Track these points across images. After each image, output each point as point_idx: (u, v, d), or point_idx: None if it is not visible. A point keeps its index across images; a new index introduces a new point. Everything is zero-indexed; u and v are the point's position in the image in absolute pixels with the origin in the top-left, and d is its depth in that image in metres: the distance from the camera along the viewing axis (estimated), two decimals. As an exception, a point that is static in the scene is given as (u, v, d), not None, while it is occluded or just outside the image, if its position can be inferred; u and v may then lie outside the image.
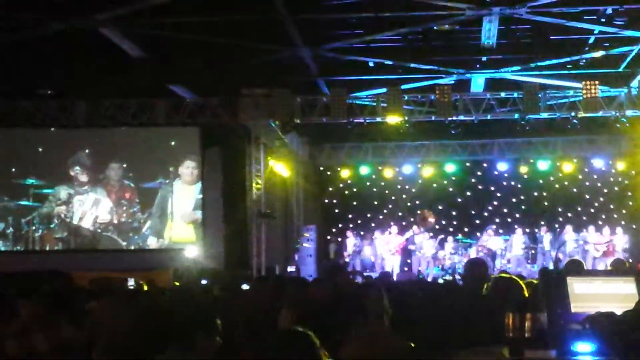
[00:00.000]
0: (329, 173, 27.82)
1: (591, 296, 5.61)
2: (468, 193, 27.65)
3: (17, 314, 6.19)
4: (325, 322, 5.74)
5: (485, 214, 27.33)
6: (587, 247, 23.54)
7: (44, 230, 21.09)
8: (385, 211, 27.60)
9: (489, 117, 20.63)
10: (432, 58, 19.02)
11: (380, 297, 6.16)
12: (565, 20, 16.40)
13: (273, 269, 21.19)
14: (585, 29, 17.33)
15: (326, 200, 28.22)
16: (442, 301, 7.61)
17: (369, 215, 27.71)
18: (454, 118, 20.25)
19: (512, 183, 27.39)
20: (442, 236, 24.98)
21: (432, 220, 25.10)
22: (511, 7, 15.29)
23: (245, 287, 11.25)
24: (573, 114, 19.99)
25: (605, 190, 26.91)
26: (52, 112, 20.45)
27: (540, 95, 19.59)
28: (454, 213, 27.48)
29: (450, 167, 26.43)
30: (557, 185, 27.01)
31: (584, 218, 26.35)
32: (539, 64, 19.09)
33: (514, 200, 27.44)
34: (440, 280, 18.59)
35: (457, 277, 18.92)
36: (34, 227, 21.09)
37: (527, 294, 6.81)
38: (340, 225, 27.62)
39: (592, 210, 26.86)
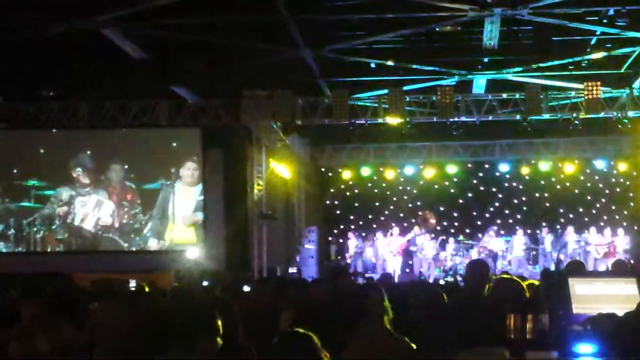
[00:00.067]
0: (330, 174, 27.81)
1: (592, 297, 5.62)
2: (469, 194, 27.65)
3: (18, 315, 6.20)
4: (325, 322, 5.75)
5: (487, 215, 27.31)
6: (589, 248, 23.53)
7: (45, 232, 21.10)
8: (386, 212, 27.59)
9: (490, 118, 20.64)
10: (434, 59, 19.01)
11: (381, 297, 6.17)
12: (567, 21, 16.39)
13: (274, 271, 21.18)
14: (587, 30, 17.32)
15: (327, 202, 28.21)
16: (443, 302, 7.61)
17: (370, 216, 27.70)
18: (456, 119, 20.25)
19: (514, 184, 27.38)
20: (443, 237, 24.98)
21: (433, 221, 25.09)
22: (513, 9, 15.28)
23: (246, 288, 11.25)
24: (575, 115, 20.00)
25: (607, 192, 26.90)
26: (53, 113, 20.46)
27: (542, 97, 19.58)
28: (455, 214, 27.49)
29: (451, 168, 26.42)
30: (558, 187, 26.99)
31: (586, 219, 26.33)
32: (541, 65, 19.08)
33: (515, 201, 27.42)
34: (442, 282, 18.58)
35: (459, 278, 18.90)
36: (35, 229, 21.10)
37: (528, 295, 6.81)
38: (341, 227, 27.60)
39: (594, 212, 26.84)
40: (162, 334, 4.26)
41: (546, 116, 20.13)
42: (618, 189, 26.79)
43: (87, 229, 21.10)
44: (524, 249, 23.86)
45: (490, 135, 24.84)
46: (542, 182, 27.06)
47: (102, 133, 20.98)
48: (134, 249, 21.06)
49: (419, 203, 27.08)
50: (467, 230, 26.66)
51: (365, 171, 26.87)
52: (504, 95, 20.32)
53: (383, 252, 24.20)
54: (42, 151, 21.34)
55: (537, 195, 27.27)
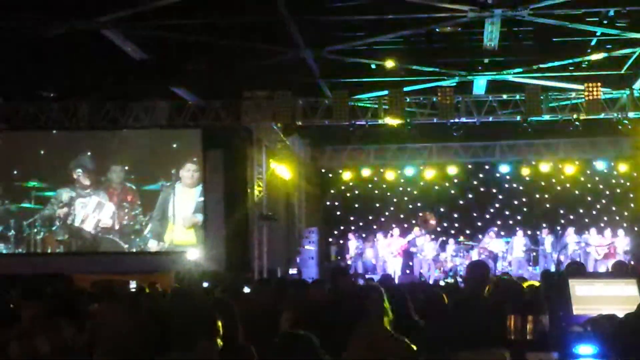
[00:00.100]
0: (330, 175, 27.82)
1: (593, 298, 5.62)
2: (470, 195, 27.66)
3: (18, 316, 6.20)
4: (325, 323, 5.74)
5: (487, 216, 27.33)
6: (589, 249, 23.54)
7: (45, 233, 21.09)
8: (387, 213, 27.60)
9: (491, 119, 20.63)
10: (434, 60, 19.02)
11: (381, 298, 6.17)
12: (567, 22, 16.39)
13: (275, 272, 21.19)
14: (587, 31, 17.32)
15: (328, 203, 28.21)
16: (443, 303, 7.61)
17: (370, 217, 27.71)
18: (456, 120, 20.24)
19: (514, 185, 27.38)
20: (444, 238, 24.98)
21: (433, 222, 25.08)
22: (513, 9, 15.28)
23: (246, 289, 11.25)
24: (575, 116, 19.98)
25: (607, 192, 26.90)
26: (54, 114, 20.45)
27: (542, 97, 19.58)
28: (455, 215, 27.50)
29: (452, 169, 26.41)
30: (558, 187, 27.00)
31: (586, 220, 26.34)
32: (541, 66, 19.08)
33: (515, 202, 27.43)
34: (442, 283, 18.57)
35: (459, 279, 18.90)
36: (35, 230, 21.09)
37: (528, 296, 6.81)
38: (342, 228, 27.61)
39: (594, 213, 26.85)
40: (162, 334, 4.26)
41: (546, 117, 20.12)
42: (618, 190, 26.79)
43: (87, 230, 21.09)
44: (524, 250, 23.87)
45: (491, 136, 24.83)
46: (543, 183, 27.06)
47: (103, 134, 20.97)
48: (134, 250, 21.05)
49: (419, 204, 27.10)
50: (468, 232, 26.64)
51: (366, 172, 26.87)
52: (505, 96, 20.31)
53: (383, 253, 24.20)
54: (42, 152, 21.33)
55: (537, 196, 27.27)
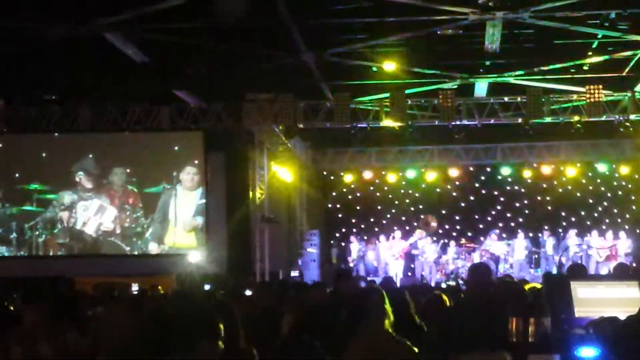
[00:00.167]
0: (332, 178, 27.81)
1: (595, 301, 5.61)
2: (471, 197, 27.66)
3: (20, 319, 6.20)
4: (326, 325, 5.75)
5: (489, 218, 27.33)
6: (590, 251, 23.55)
7: (47, 236, 21.08)
8: (388, 216, 27.60)
9: (492, 121, 20.63)
10: (435, 63, 19.03)
11: (382, 300, 6.17)
12: (568, 24, 16.39)
13: (276, 274, 21.18)
14: (588, 34, 17.33)
15: (329, 205, 28.21)
16: (445, 305, 7.61)
17: (372, 219, 27.71)
18: (458, 122, 20.24)
19: (516, 187, 27.37)
20: (445, 241, 24.98)
21: (434, 224, 25.11)
22: (514, 12, 15.29)
23: (248, 292, 11.25)
24: (576, 118, 19.97)
25: (609, 195, 26.89)
26: (56, 117, 20.45)
27: (543, 100, 19.57)
28: (457, 217, 27.49)
29: (453, 172, 26.41)
30: (560, 190, 27.00)
31: (588, 222, 26.34)
32: (542, 68, 19.09)
33: (517, 204, 27.42)
34: (443, 285, 18.56)
35: (460, 281, 18.90)
36: (37, 233, 21.07)
37: (530, 299, 6.81)
38: (343, 230, 27.63)
39: (596, 215, 26.84)
40: (163, 337, 4.26)
41: (548, 119, 20.11)
42: (620, 192, 26.79)
43: (88, 234, 21.07)
44: (526, 253, 23.87)
45: (492, 139, 24.83)
46: (544, 186, 27.07)
47: (104, 137, 20.96)
48: (135, 252, 21.04)
49: (420, 206, 27.12)
50: (469, 234, 26.66)
51: (367, 174, 26.86)
52: (506, 99, 20.31)
53: (385, 256, 24.21)
54: (44, 155, 21.30)
55: (538, 198, 27.27)
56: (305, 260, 24.35)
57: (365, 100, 20.57)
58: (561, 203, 27.05)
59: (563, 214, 27.01)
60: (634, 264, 21.76)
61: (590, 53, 18.66)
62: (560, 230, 25.57)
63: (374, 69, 19.20)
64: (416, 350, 5.18)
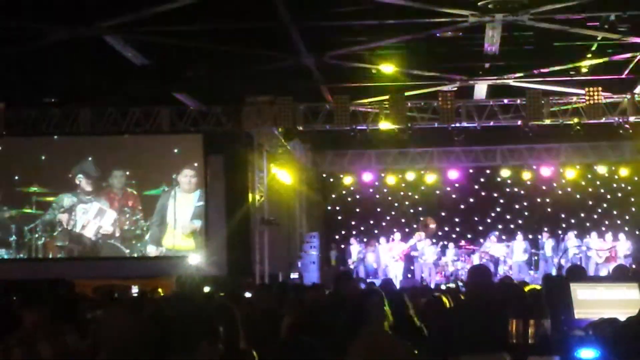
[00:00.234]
0: (332, 180, 27.84)
1: (594, 302, 5.62)
2: (471, 199, 27.68)
3: (19, 321, 6.19)
4: (325, 326, 5.75)
5: (488, 220, 27.36)
6: (590, 253, 23.55)
7: (46, 238, 21.06)
8: (388, 218, 27.61)
9: (491, 123, 20.61)
10: (435, 65, 19.04)
11: (382, 302, 6.18)
12: (568, 26, 16.40)
13: (276, 276, 21.17)
14: (588, 36, 17.34)
15: (329, 207, 28.23)
16: (445, 307, 7.62)
17: (371, 222, 27.72)
18: (457, 125, 20.25)
19: (515, 189, 27.40)
20: (445, 243, 24.98)
21: (433, 226, 25.12)
22: (514, 14, 15.29)
23: (248, 294, 11.24)
24: (576, 120, 19.97)
25: (608, 196, 26.93)
26: (55, 120, 20.43)
27: (543, 102, 19.57)
28: (456, 219, 27.51)
29: (453, 174, 26.43)
30: (560, 192, 27.03)
31: (587, 224, 26.36)
32: (542, 70, 19.10)
33: (516, 206, 27.44)
34: (443, 287, 18.57)
35: (460, 283, 18.91)
36: (36, 235, 21.06)
37: (530, 300, 6.82)
38: (343, 232, 27.64)
39: (595, 216, 26.87)
40: (163, 338, 4.26)
41: (547, 121, 20.10)
42: (619, 194, 26.82)
43: (87, 237, 21.06)
44: (526, 254, 23.87)
45: (492, 141, 24.86)
46: (544, 188, 27.10)
47: (104, 139, 20.95)
48: (135, 255, 21.03)
49: (420, 208, 27.14)
50: (469, 236, 26.68)
51: (367, 177, 26.89)
52: (505, 101, 20.31)
53: (385, 258, 24.21)
54: (43, 157, 21.30)
55: (538, 200, 27.30)
56: (305, 263, 24.35)
57: (365, 103, 20.58)
58: (561, 205, 27.08)
59: (562, 215, 27.04)
60: (634, 266, 21.79)
61: (589, 55, 18.68)
62: (560, 232, 25.60)
63: (374, 71, 19.21)
64: (416, 351, 5.19)
